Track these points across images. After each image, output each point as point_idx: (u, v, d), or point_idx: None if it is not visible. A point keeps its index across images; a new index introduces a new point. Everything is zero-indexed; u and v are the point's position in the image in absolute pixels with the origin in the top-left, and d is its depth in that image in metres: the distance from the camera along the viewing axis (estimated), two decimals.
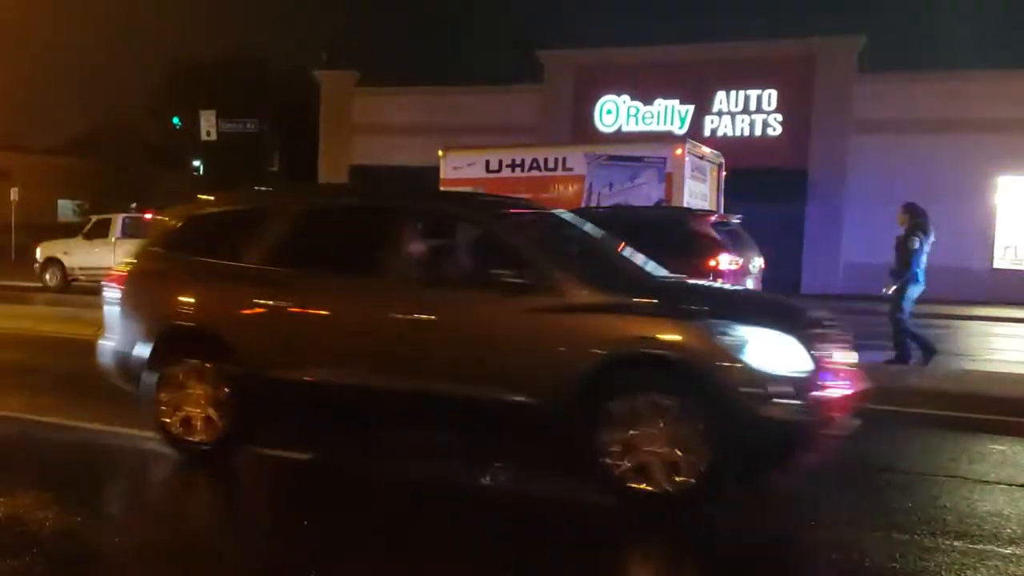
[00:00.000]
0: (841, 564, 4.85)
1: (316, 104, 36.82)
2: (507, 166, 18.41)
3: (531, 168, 18.13)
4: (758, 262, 14.30)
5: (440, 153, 19.47)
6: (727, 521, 5.52)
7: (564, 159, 17.94)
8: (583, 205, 17.03)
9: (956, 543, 5.10)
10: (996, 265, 26.02)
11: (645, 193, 16.67)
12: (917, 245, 11.66)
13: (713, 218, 14.06)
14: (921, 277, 11.69)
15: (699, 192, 17.46)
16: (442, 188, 19.54)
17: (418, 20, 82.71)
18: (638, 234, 13.99)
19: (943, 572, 4.68)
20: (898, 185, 26.29)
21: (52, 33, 69.58)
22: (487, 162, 18.68)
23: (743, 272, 13.62)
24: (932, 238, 11.81)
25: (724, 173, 18.68)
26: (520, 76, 34.69)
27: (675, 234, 13.91)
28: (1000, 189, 25.96)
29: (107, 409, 8.32)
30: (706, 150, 18.20)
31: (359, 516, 5.54)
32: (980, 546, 5.08)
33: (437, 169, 19.78)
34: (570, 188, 17.56)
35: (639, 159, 17.18)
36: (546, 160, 18.09)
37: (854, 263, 27.15)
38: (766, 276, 14.94)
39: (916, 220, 11.90)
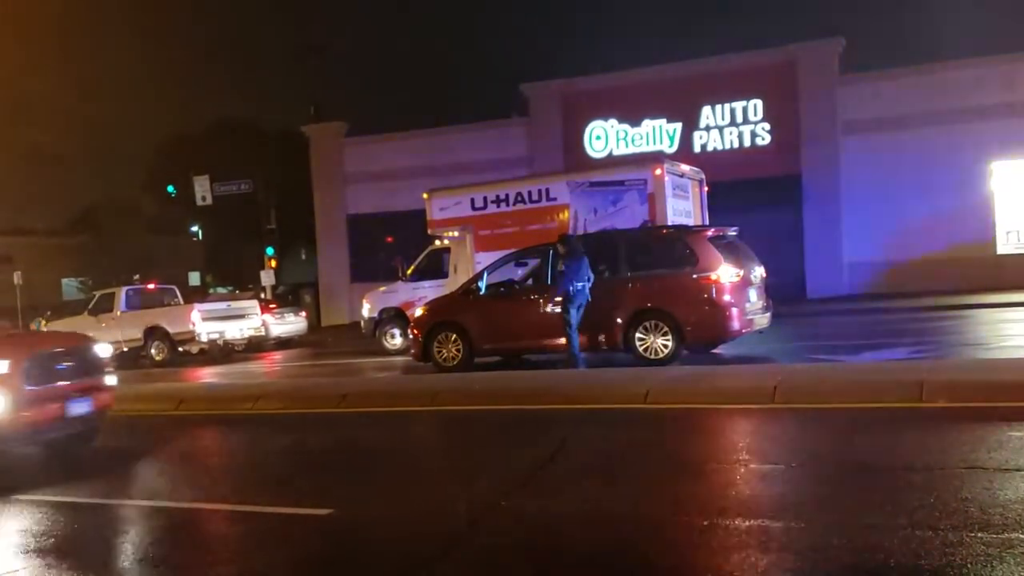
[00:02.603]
0: (866, 565, 4.82)
1: (308, 158, 37.06)
2: (492, 202, 18.48)
3: (516, 202, 18.19)
4: (759, 271, 14.34)
5: (425, 196, 19.55)
6: (754, 528, 5.51)
7: (547, 190, 18.00)
8: (571, 233, 17.04)
9: (980, 534, 5.07)
10: (1000, 251, 25.97)
11: (629, 216, 16.73)
12: (563, 268, 13.60)
13: (710, 232, 14.10)
14: (572, 293, 13.39)
15: (682, 210, 17.51)
16: (430, 230, 19.61)
17: (403, 66, 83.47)
18: (639, 252, 14.17)
19: (969, 565, 4.65)
20: (893, 181, 26.42)
21: (45, 116, 70.26)
22: (472, 200, 18.75)
23: (745, 283, 13.67)
24: (584, 260, 13.56)
25: (707, 188, 18.73)
26: (507, 111, 34.97)
27: (675, 250, 14.00)
28: (995, 175, 25.96)
29: (126, 483, 8.36)
30: (685, 168, 18.26)
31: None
32: (1005, 535, 5.05)
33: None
34: (556, 218, 17.62)
35: (620, 183, 17.24)
36: (529, 192, 18.15)
37: (857, 263, 27.16)
38: (769, 284, 14.98)
39: (566, 248, 13.72)
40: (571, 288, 13.41)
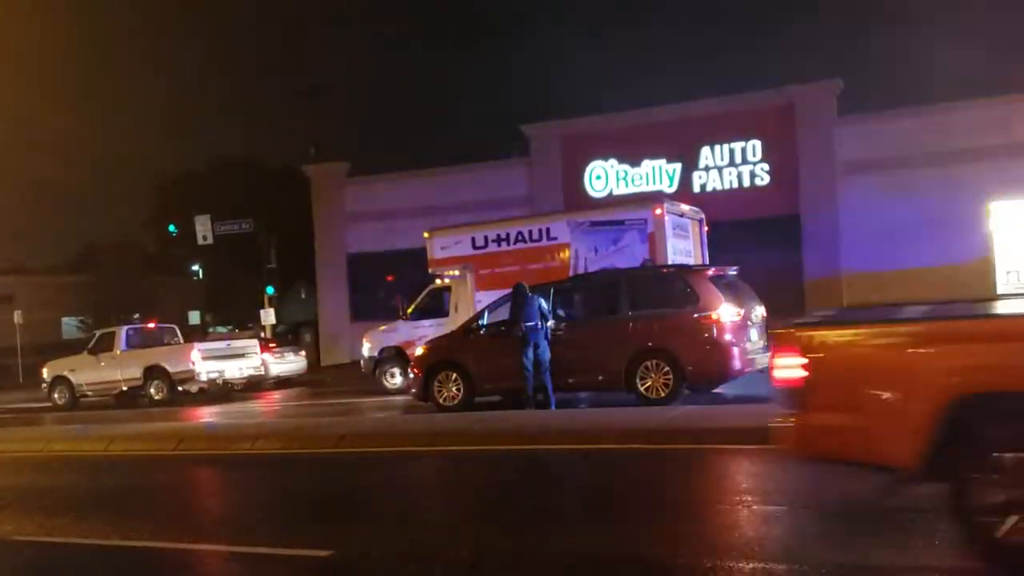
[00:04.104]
0: None
1: (309, 197, 37.19)
2: (493, 241, 18.54)
3: (517, 241, 18.26)
4: (760, 311, 14.32)
5: (426, 235, 19.60)
6: (758, 571, 5.45)
7: (548, 229, 18.06)
8: (571, 273, 17.04)
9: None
10: (1000, 291, 25.93)
11: (630, 255, 16.76)
12: (510, 315, 14.21)
13: (711, 271, 14.11)
14: (525, 331, 13.74)
15: (682, 249, 17.56)
16: (431, 269, 19.62)
17: (404, 107, 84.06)
18: (640, 292, 14.18)
19: None
20: (891, 221, 26.44)
21: (48, 153, 70.68)
22: (472, 239, 18.81)
23: (746, 322, 13.65)
24: (534, 301, 13.94)
25: (706, 228, 18.79)
26: (508, 151, 35.16)
27: (675, 290, 14.00)
28: (994, 215, 26.01)
29: (124, 523, 8.28)
30: (685, 207, 18.33)
31: None
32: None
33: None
34: (557, 257, 17.66)
35: (621, 222, 17.32)
36: (530, 232, 18.21)
37: (857, 303, 27.09)
38: (770, 324, 14.93)
39: (514, 293, 14.15)
40: (523, 327, 13.71)
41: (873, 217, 26.79)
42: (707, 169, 29.10)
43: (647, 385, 13.46)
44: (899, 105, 28.15)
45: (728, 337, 13.24)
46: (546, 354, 13.82)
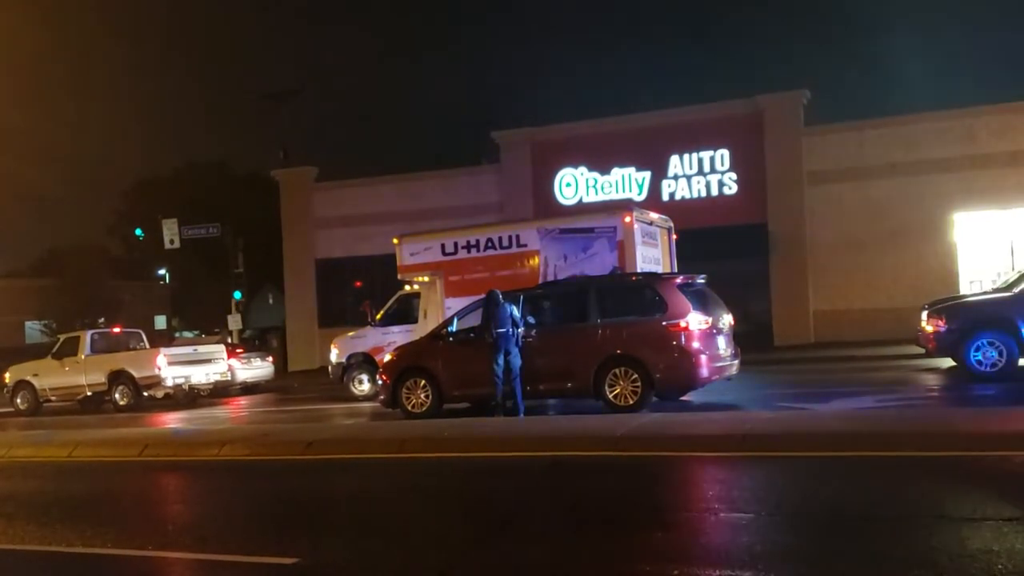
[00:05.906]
0: None
1: (277, 202, 36.97)
2: (463, 248, 18.53)
3: (487, 248, 18.27)
4: (727, 319, 14.43)
5: (395, 241, 19.54)
6: None
7: (518, 236, 18.09)
8: (541, 280, 17.06)
9: None
10: None
11: (599, 262, 16.84)
12: (481, 322, 14.39)
13: (679, 279, 14.19)
14: (496, 338, 13.86)
15: (651, 257, 17.65)
16: (400, 275, 19.56)
17: (374, 112, 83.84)
18: (609, 299, 14.22)
19: None
20: (857, 231, 26.77)
21: (11, 156, 69.74)
22: (442, 246, 18.77)
23: (714, 330, 13.74)
24: (505, 308, 14.04)
25: (675, 236, 18.90)
26: (478, 157, 35.20)
27: (644, 297, 14.06)
28: (957, 226, 26.39)
29: (87, 530, 8.18)
30: (654, 216, 18.43)
31: None
32: None
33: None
34: (527, 264, 17.69)
35: (590, 230, 17.39)
36: (500, 239, 18.23)
37: (823, 311, 27.40)
38: (737, 332, 15.06)
39: (487, 299, 14.30)
40: (494, 334, 13.81)
41: (839, 226, 27.09)
42: (676, 178, 29.29)
43: (615, 392, 13.51)
44: (865, 116, 28.51)
45: (696, 345, 13.32)
46: (517, 361, 13.86)
